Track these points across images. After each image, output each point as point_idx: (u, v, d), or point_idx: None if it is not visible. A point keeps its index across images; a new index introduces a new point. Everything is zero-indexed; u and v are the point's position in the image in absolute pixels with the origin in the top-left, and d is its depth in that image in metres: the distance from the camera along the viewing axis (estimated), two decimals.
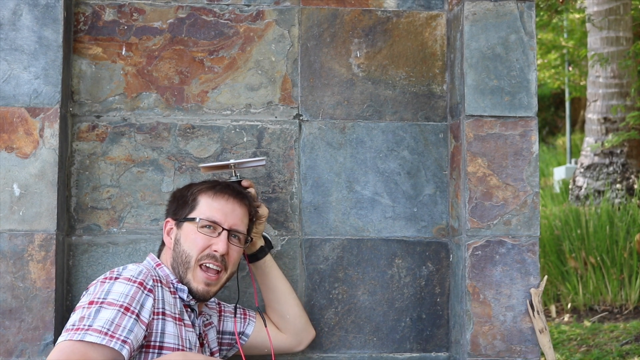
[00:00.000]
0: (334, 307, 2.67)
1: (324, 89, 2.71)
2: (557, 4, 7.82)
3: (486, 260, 2.53)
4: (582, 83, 12.54)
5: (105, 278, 2.09)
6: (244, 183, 2.42)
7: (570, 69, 13.33)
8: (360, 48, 2.72)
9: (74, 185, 2.60)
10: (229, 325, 2.45)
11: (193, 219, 2.25)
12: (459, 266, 2.59)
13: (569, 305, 6.83)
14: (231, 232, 2.27)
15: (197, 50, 2.67)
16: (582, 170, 9.36)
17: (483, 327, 2.52)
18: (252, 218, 2.37)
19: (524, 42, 2.59)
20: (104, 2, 2.65)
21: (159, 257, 2.34)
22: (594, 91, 9.37)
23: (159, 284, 2.14)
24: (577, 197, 9.27)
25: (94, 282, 2.12)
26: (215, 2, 2.69)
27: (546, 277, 3.22)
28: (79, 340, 1.93)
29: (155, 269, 2.26)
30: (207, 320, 2.37)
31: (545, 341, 2.51)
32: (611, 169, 9.11)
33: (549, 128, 16.13)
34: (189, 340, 2.18)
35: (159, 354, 2.09)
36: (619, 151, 9.11)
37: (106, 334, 1.95)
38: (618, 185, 8.95)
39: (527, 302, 2.53)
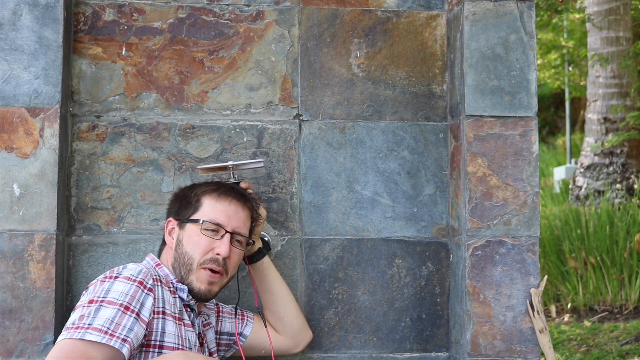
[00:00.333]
0: (334, 307, 2.67)
1: (324, 89, 2.71)
2: (557, 4, 7.82)
3: (486, 260, 2.53)
4: (582, 83, 12.54)
5: (105, 277, 2.09)
6: (243, 185, 2.42)
7: (570, 69, 13.33)
8: (360, 48, 2.72)
9: (74, 185, 2.60)
10: (227, 326, 2.45)
11: (196, 221, 2.25)
12: (459, 266, 2.59)
13: (569, 305, 6.83)
14: (234, 235, 2.27)
15: (197, 50, 2.67)
16: (582, 170, 9.37)
17: (483, 327, 2.52)
18: (253, 221, 2.37)
19: (524, 42, 2.59)
20: (104, 2, 2.65)
21: (159, 256, 2.34)
22: (594, 91, 9.37)
23: (159, 283, 2.15)
24: (577, 197, 9.27)
25: (94, 281, 2.12)
26: (215, 2, 2.69)
27: (546, 277, 3.22)
28: (79, 338, 1.93)
29: (154, 268, 2.26)
30: (205, 320, 2.37)
31: (545, 341, 2.51)
32: (611, 169, 9.11)
33: (549, 128, 16.13)
34: (188, 339, 2.19)
35: (159, 353, 2.09)
36: (619, 151, 9.11)
37: (106, 332, 1.95)
38: (618, 185, 8.95)
39: (527, 302, 2.53)
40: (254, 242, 2.39)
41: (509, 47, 2.58)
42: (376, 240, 2.69)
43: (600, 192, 9.04)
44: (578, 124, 14.88)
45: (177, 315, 2.17)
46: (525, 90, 2.58)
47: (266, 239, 2.61)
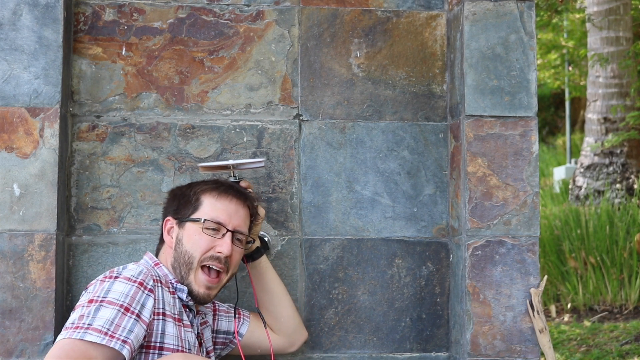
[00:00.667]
0: (334, 307, 2.67)
1: (324, 89, 2.71)
2: (557, 4, 7.82)
3: (486, 260, 2.53)
4: (582, 83, 12.53)
5: (105, 277, 2.09)
6: (243, 184, 2.42)
7: (570, 69, 13.33)
8: (360, 48, 2.72)
9: (74, 185, 2.60)
10: (223, 324, 2.45)
11: (197, 220, 2.24)
12: (459, 266, 2.59)
13: (569, 305, 6.83)
14: (234, 234, 2.27)
15: (197, 50, 2.67)
16: (582, 170, 9.36)
17: (483, 327, 2.52)
18: (253, 219, 2.37)
19: (524, 42, 2.59)
20: (104, 2, 2.65)
21: (157, 255, 2.33)
22: (594, 91, 9.37)
23: (159, 284, 2.14)
24: (577, 197, 9.27)
25: (94, 281, 2.11)
26: (215, 2, 2.69)
27: (546, 277, 3.22)
28: (79, 339, 1.93)
29: (153, 268, 2.25)
30: (203, 318, 2.37)
31: (545, 341, 2.51)
32: (611, 169, 9.11)
33: (549, 128, 16.13)
34: (188, 340, 2.18)
35: (159, 354, 2.09)
36: (618, 151, 9.11)
37: (106, 333, 1.95)
38: (618, 185, 8.95)
39: (527, 302, 2.53)
40: (253, 240, 2.39)
41: (509, 47, 2.58)
42: (376, 240, 2.69)
43: (600, 192, 9.04)
44: (578, 124, 14.88)
45: (176, 316, 2.17)
46: (525, 90, 2.58)
47: (266, 238, 2.61)
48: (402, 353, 2.68)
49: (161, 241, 2.33)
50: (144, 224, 2.60)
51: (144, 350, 2.08)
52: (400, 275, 2.69)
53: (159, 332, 2.11)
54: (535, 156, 2.57)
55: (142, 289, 2.06)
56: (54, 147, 2.45)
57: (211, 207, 2.26)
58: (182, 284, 2.24)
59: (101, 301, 2.01)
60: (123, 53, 2.64)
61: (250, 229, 2.37)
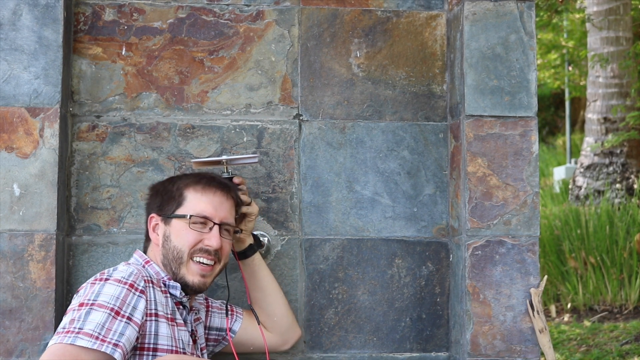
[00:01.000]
0: (334, 307, 2.67)
1: (324, 89, 2.71)
2: (557, 4, 7.82)
3: (486, 260, 2.53)
4: (582, 83, 12.54)
5: (96, 280, 2.07)
6: (236, 180, 2.41)
7: (570, 69, 13.33)
8: (360, 48, 2.72)
9: (74, 185, 2.60)
10: (216, 321, 2.44)
11: (183, 216, 2.23)
12: (459, 266, 2.59)
13: (569, 305, 6.83)
14: (222, 226, 2.26)
15: (197, 50, 2.67)
16: (582, 170, 9.37)
17: (483, 327, 2.52)
18: (238, 209, 2.36)
19: (524, 42, 2.59)
20: (104, 2, 2.65)
21: (145, 252, 2.31)
22: (594, 91, 9.37)
23: (150, 284, 2.12)
24: (577, 197, 9.27)
25: (84, 284, 2.09)
26: (215, 2, 2.69)
27: (546, 277, 3.22)
28: (70, 343, 1.92)
29: (144, 267, 2.23)
30: (196, 315, 2.36)
31: (545, 341, 2.51)
32: (611, 169, 9.11)
33: (549, 128, 16.13)
34: (182, 340, 2.18)
35: (153, 356, 2.08)
36: (618, 151, 9.12)
37: (97, 338, 1.94)
38: (618, 185, 8.95)
39: (527, 302, 2.53)
40: (241, 230, 2.38)
41: (509, 47, 2.58)
42: (376, 240, 2.69)
43: (600, 192, 9.04)
44: (578, 124, 14.88)
45: (169, 315, 2.15)
46: (525, 90, 2.58)
47: (266, 239, 2.61)
48: (402, 353, 2.68)
49: (147, 239, 2.32)
50: (144, 224, 2.60)
51: (137, 352, 2.07)
52: (400, 275, 2.69)
53: (152, 333, 2.09)
54: (535, 156, 2.57)
55: (132, 290, 2.05)
56: (54, 147, 2.45)
57: (196, 201, 2.24)
58: (175, 279, 2.23)
59: (91, 305, 1.99)
60: (123, 53, 2.64)
61: (237, 218, 2.36)
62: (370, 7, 2.73)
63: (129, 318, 2.01)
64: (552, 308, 6.85)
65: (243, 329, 2.46)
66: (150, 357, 2.08)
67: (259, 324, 2.45)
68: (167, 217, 2.25)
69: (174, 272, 2.22)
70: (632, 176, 8.97)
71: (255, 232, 2.62)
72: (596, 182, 9.16)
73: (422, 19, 2.75)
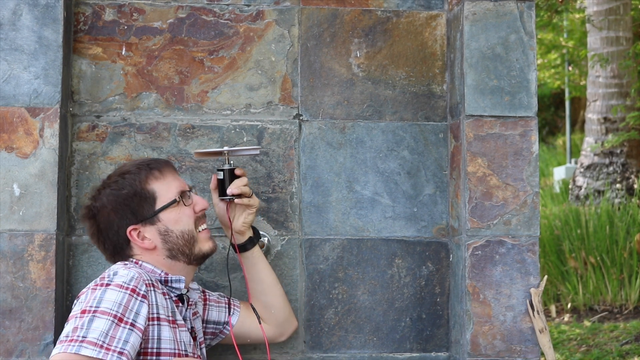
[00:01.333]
0: (334, 307, 2.67)
1: (324, 89, 2.71)
2: (557, 4, 7.82)
3: (486, 260, 2.53)
4: (582, 83, 12.54)
5: (96, 285, 2.05)
6: (237, 172, 2.40)
7: (570, 69, 13.33)
8: (360, 48, 2.72)
9: (74, 185, 2.60)
10: (214, 314, 2.44)
11: (172, 202, 2.22)
12: (459, 266, 2.59)
13: (569, 305, 6.83)
14: (191, 190, 2.31)
15: (197, 50, 2.67)
16: (582, 170, 9.37)
17: (483, 327, 2.52)
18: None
19: (524, 42, 2.59)
20: (104, 2, 2.65)
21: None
22: (594, 91, 9.37)
23: (152, 288, 2.11)
24: (577, 197, 9.27)
25: (85, 289, 2.07)
26: (215, 2, 2.69)
27: (546, 277, 3.22)
28: (75, 352, 1.90)
29: (140, 268, 2.19)
30: (193, 309, 2.36)
31: (545, 341, 2.51)
32: (611, 168, 9.11)
33: (549, 128, 16.13)
34: (183, 342, 2.17)
35: None
36: (619, 151, 9.12)
37: (101, 346, 1.92)
38: (618, 185, 8.95)
39: (527, 302, 2.53)
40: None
41: (509, 47, 2.58)
42: (376, 240, 2.69)
43: (600, 192, 9.05)
44: (578, 124, 14.88)
45: (171, 318, 2.15)
46: (525, 90, 2.58)
47: (266, 239, 2.62)
48: (402, 353, 2.68)
49: (125, 255, 2.24)
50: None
51: (141, 357, 2.06)
52: (400, 275, 2.69)
53: (155, 337, 2.08)
54: (535, 156, 2.57)
55: (135, 295, 2.03)
56: (54, 147, 2.45)
57: (166, 186, 2.24)
58: (191, 261, 2.25)
59: (94, 311, 1.97)
60: (123, 53, 2.64)
61: (241, 215, 2.41)
62: (370, 7, 2.73)
63: (132, 324, 1.99)
64: (552, 308, 6.85)
65: (240, 322, 2.46)
66: None
67: (260, 324, 2.45)
68: (152, 217, 2.22)
69: (188, 254, 2.24)
70: (632, 176, 8.97)
71: None
72: (596, 182, 9.16)
73: (422, 19, 2.75)
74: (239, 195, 2.39)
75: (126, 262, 2.21)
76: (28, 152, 2.45)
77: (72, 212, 2.59)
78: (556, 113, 16.16)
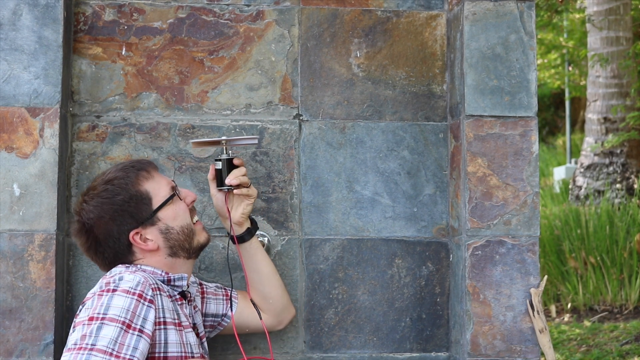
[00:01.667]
0: (334, 307, 2.67)
1: (324, 89, 2.71)
2: (557, 4, 7.82)
3: (486, 260, 2.53)
4: (582, 83, 12.54)
5: (102, 291, 2.02)
6: (236, 161, 2.39)
7: (570, 69, 13.33)
8: (360, 48, 2.72)
9: (74, 185, 2.60)
10: (212, 307, 2.43)
11: (170, 198, 2.22)
12: (459, 266, 2.59)
13: (569, 305, 6.83)
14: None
15: (197, 50, 2.67)
16: (582, 170, 9.37)
17: (483, 327, 2.52)
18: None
19: (524, 42, 2.59)
20: (104, 2, 2.65)
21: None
22: (594, 91, 9.37)
23: (158, 292, 2.10)
24: (577, 197, 9.27)
25: (90, 295, 2.06)
26: (215, 2, 2.69)
27: (546, 277, 3.22)
28: None
29: (143, 271, 2.17)
30: (193, 303, 2.35)
31: (545, 341, 2.51)
32: (611, 169, 9.11)
33: (549, 128, 16.13)
34: (190, 344, 2.17)
35: None
36: (619, 151, 9.12)
37: (111, 354, 1.91)
38: (618, 185, 8.95)
39: (527, 302, 2.53)
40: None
41: (509, 47, 2.58)
42: (376, 240, 2.69)
43: (600, 192, 9.05)
44: (578, 124, 14.89)
45: (176, 320, 2.14)
46: (525, 90, 2.58)
47: (266, 239, 2.62)
48: (402, 353, 2.68)
49: (120, 262, 2.21)
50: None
51: None
52: (400, 275, 2.69)
53: (162, 342, 2.07)
54: (535, 156, 2.57)
55: (142, 301, 2.01)
56: (54, 147, 2.45)
57: (157, 184, 2.23)
58: (190, 254, 2.25)
59: (102, 319, 1.95)
60: (123, 53, 2.64)
61: (239, 206, 2.40)
62: (370, 7, 2.73)
63: (140, 330, 1.98)
64: (552, 308, 6.85)
65: (239, 312, 2.46)
66: None
67: (260, 319, 2.43)
68: (151, 217, 2.20)
69: (188, 249, 2.24)
70: (632, 176, 8.98)
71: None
72: (596, 182, 9.16)
73: (422, 19, 2.75)
74: (238, 186, 2.38)
75: (128, 265, 2.19)
76: (28, 152, 2.45)
77: (72, 212, 2.58)
78: (556, 113, 16.17)
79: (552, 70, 13.75)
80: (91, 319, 1.96)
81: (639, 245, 6.77)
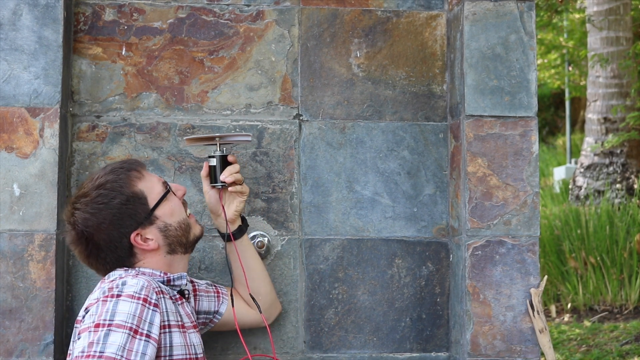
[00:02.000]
0: (334, 307, 2.67)
1: (324, 89, 2.71)
2: (557, 4, 7.82)
3: (486, 260, 2.53)
4: (582, 83, 12.55)
5: (106, 296, 2.00)
6: (230, 158, 2.39)
7: (570, 69, 13.33)
8: (360, 48, 2.72)
9: (74, 185, 2.60)
10: (204, 304, 2.43)
11: (166, 194, 2.23)
12: (459, 266, 2.59)
13: (569, 305, 6.83)
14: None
15: (197, 50, 2.67)
16: (582, 170, 9.37)
17: (483, 327, 2.52)
18: None
19: (524, 42, 2.59)
20: (104, 2, 2.65)
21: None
22: (594, 91, 9.38)
23: (162, 295, 2.09)
24: (577, 197, 9.27)
25: (94, 301, 2.03)
26: (215, 2, 2.69)
27: (546, 277, 3.22)
28: None
29: (142, 274, 2.17)
30: (190, 301, 2.35)
31: (545, 341, 2.51)
32: (611, 169, 9.11)
33: (549, 128, 16.14)
34: (193, 345, 2.17)
35: None
36: (619, 151, 9.12)
37: None
38: (618, 185, 8.95)
39: (527, 302, 2.53)
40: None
41: (509, 47, 2.58)
42: (376, 240, 2.69)
43: (600, 192, 9.05)
44: (578, 124, 14.89)
45: (180, 322, 2.14)
46: (525, 90, 2.58)
47: (265, 239, 2.61)
48: (402, 353, 2.68)
49: (120, 266, 2.20)
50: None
51: None
52: (400, 275, 2.69)
53: (167, 345, 2.07)
54: (535, 156, 2.57)
55: (147, 305, 2.00)
56: (54, 147, 2.45)
57: (150, 183, 2.23)
58: (187, 249, 2.26)
59: (109, 325, 1.93)
60: (123, 53, 2.64)
61: (232, 203, 2.40)
62: (370, 7, 2.73)
63: (147, 335, 1.97)
64: (552, 308, 6.85)
65: (228, 310, 2.45)
66: None
67: (261, 312, 2.42)
68: (149, 216, 2.19)
69: (185, 243, 2.25)
70: (632, 176, 8.98)
71: (255, 232, 2.63)
72: (596, 182, 9.16)
73: (422, 19, 2.75)
74: (232, 183, 2.38)
75: (127, 269, 2.18)
76: (28, 152, 2.45)
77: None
78: (556, 113, 16.17)
79: (552, 71, 13.76)
80: (97, 325, 1.94)
81: (639, 245, 6.77)
